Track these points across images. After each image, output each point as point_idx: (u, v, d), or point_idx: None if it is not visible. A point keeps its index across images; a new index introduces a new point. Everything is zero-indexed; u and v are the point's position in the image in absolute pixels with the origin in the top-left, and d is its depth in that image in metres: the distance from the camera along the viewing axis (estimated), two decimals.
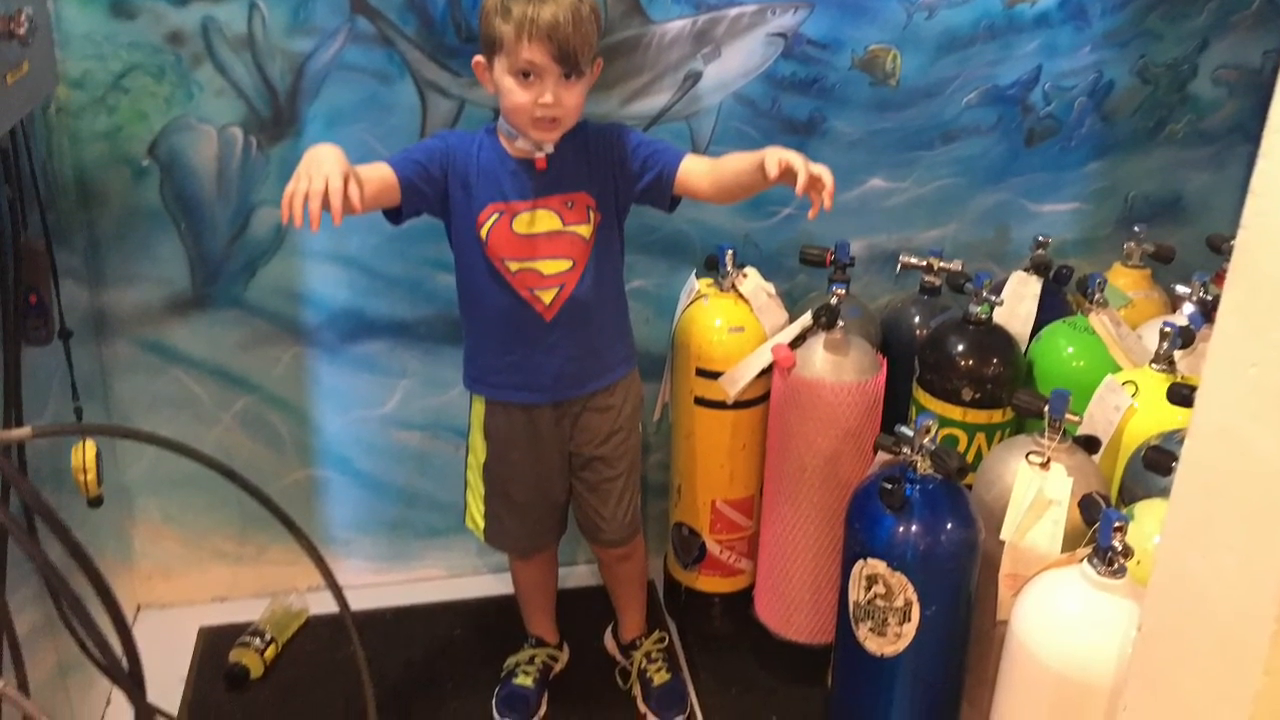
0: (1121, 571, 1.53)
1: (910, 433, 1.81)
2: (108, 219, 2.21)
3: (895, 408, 2.19)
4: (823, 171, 1.70)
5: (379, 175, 1.80)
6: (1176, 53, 2.49)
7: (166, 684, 2.32)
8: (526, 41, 1.75)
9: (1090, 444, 1.87)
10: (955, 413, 2.13)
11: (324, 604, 2.41)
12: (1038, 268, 2.32)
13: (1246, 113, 2.59)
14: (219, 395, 2.40)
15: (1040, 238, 2.34)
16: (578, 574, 2.63)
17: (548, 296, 1.94)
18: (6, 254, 1.82)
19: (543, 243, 1.92)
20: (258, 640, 2.40)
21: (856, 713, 1.99)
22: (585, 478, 2.13)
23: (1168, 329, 1.97)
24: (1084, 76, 2.44)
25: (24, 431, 1.26)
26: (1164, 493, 1.67)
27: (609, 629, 2.46)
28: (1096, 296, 2.19)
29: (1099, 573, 1.53)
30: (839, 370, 2.07)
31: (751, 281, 2.23)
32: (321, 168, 1.59)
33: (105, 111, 2.12)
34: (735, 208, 2.33)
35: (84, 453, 1.90)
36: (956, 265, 2.29)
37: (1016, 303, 2.29)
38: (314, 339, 2.38)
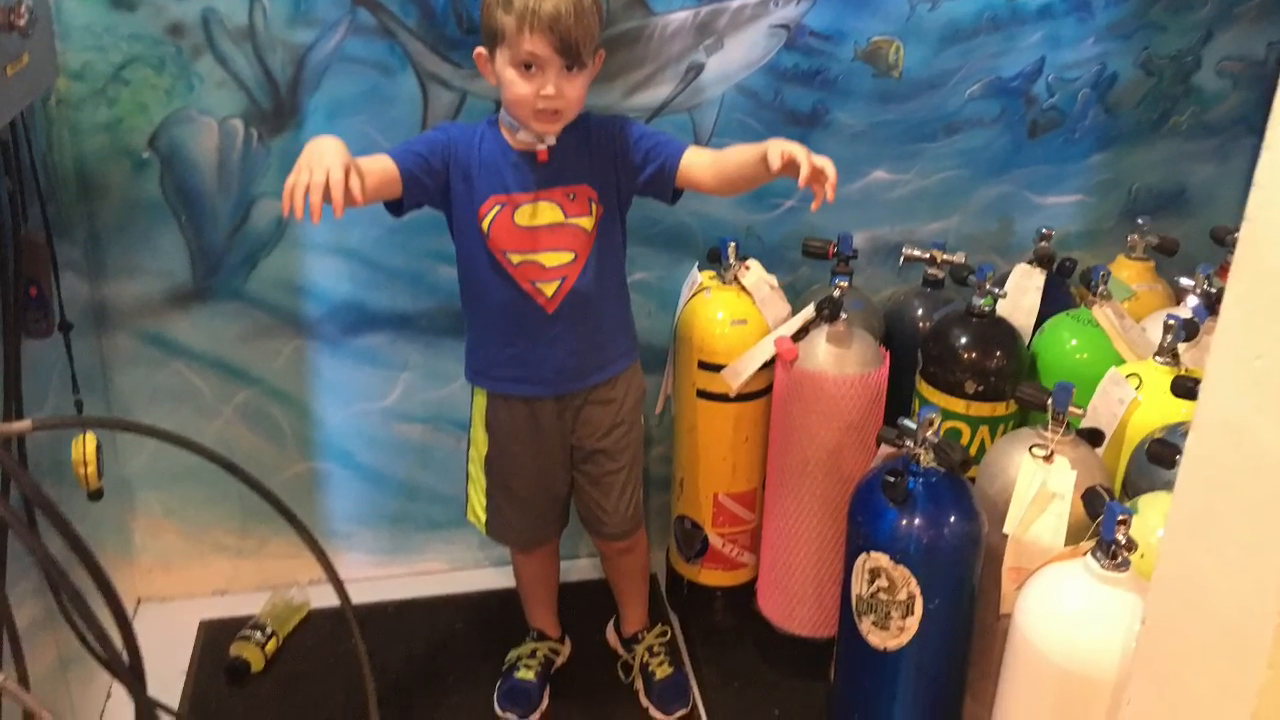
0: (1125, 565, 1.52)
1: (913, 426, 1.80)
2: (108, 211, 2.20)
3: (898, 401, 2.19)
4: (825, 163, 1.69)
5: (380, 167, 1.80)
6: (1180, 44, 2.48)
7: (167, 678, 2.32)
8: (528, 33, 1.74)
9: (1094, 437, 1.87)
10: (958, 405, 2.12)
11: (325, 597, 2.40)
12: (1041, 260, 2.31)
13: (1250, 105, 2.58)
14: (220, 388, 2.39)
15: (1044, 230, 2.33)
16: (579, 567, 2.63)
17: (549, 289, 1.93)
18: (6, 246, 1.81)
19: (544, 235, 1.91)
20: (258, 634, 2.39)
21: (859, 707, 1.98)
22: (587, 471, 2.12)
23: (1171, 322, 1.97)
24: (1087, 68, 2.43)
25: (24, 424, 1.26)
26: (1168, 486, 1.67)
27: (611, 622, 2.45)
28: (1100, 289, 2.18)
29: (1103, 566, 1.53)
30: (841, 363, 2.06)
31: (754, 274, 2.23)
32: (322, 160, 1.59)
33: (105, 103, 2.12)
34: (737, 200, 2.32)
35: (84, 446, 1.89)
36: (960, 258, 2.28)
37: (1020, 295, 2.28)
38: (315, 332, 2.38)
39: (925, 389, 2.18)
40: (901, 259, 2.34)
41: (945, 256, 2.30)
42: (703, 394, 2.24)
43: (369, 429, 2.49)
